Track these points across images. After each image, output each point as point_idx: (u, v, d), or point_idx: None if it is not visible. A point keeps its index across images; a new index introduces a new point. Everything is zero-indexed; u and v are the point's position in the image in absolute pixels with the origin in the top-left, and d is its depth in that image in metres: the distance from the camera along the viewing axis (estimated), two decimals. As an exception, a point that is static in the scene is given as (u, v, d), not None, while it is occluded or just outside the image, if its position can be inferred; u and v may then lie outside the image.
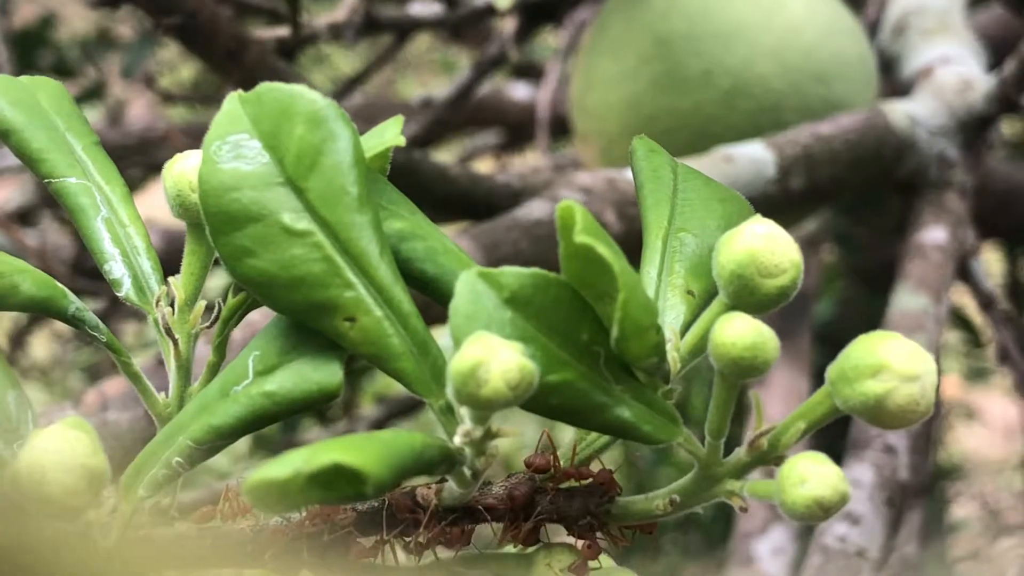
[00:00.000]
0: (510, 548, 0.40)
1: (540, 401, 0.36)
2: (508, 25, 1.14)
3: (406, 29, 1.12)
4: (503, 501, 0.39)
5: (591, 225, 0.35)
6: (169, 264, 0.43)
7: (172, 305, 0.42)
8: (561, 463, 0.39)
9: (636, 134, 0.46)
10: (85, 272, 1.14)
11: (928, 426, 0.86)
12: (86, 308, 0.41)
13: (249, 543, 0.39)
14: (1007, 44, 0.99)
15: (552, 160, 1.28)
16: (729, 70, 0.97)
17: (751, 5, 0.99)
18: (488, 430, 0.36)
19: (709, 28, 0.98)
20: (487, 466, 0.37)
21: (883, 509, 0.75)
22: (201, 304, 0.42)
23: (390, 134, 0.40)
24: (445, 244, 0.40)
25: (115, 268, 0.42)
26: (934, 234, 0.90)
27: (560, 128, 1.25)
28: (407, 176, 0.81)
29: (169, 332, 0.41)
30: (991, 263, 1.74)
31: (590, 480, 0.39)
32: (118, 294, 0.42)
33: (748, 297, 0.38)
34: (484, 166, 1.64)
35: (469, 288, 0.36)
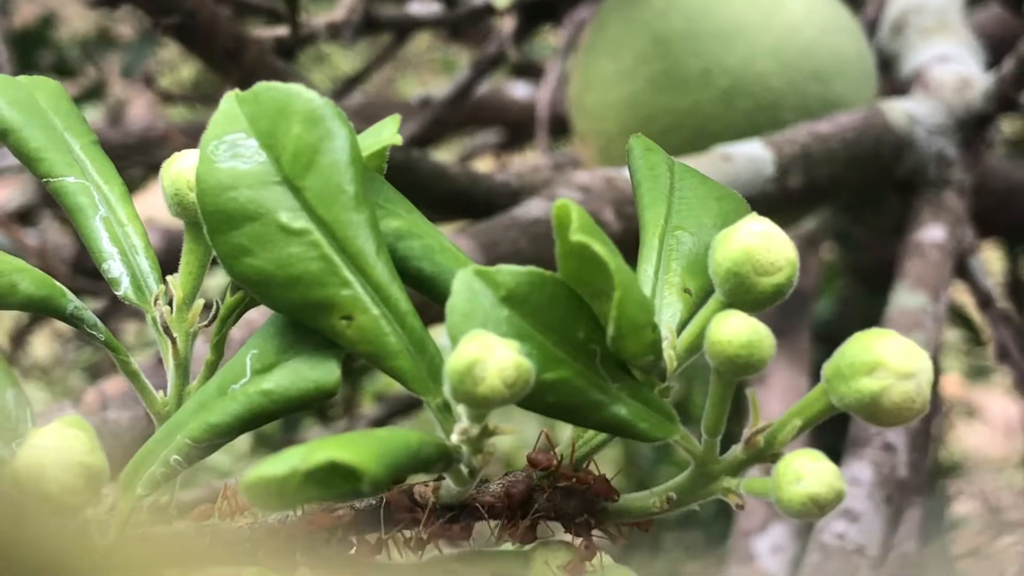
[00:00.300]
0: (508, 546, 0.40)
1: (536, 399, 0.36)
2: (507, 24, 1.14)
3: (405, 28, 1.12)
4: (501, 499, 0.39)
5: (587, 223, 0.35)
6: (169, 264, 0.43)
7: (170, 304, 0.42)
8: (561, 461, 0.39)
9: (635, 133, 0.46)
10: (85, 272, 1.14)
11: (927, 424, 0.86)
12: (84, 307, 0.41)
13: (247, 541, 0.39)
14: (1006, 43, 0.99)
15: (552, 159, 1.28)
16: (728, 69, 0.97)
17: (750, 4, 0.99)
18: (485, 428, 0.36)
19: (708, 27, 0.98)
20: (484, 464, 0.37)
21: (882, 507, 0.75)
22: (199, 303, 0.42)
23: (387, 133, 0.40)
24: (442, 242, 0.40)
25: (113, 267, 0.42)
26: (932, 232, 0.90)
27: (560, 127, 1.25)
28: (406, 175, 0.81)
29: (167, 331, 0.41)
30: (992, 262, 1.74)
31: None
32: (116, 293, 0.42)
33: (744, 295, 0.38)
34: (484, 165, 1.64)
35: (466, 286, 0.36)
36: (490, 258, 0.76)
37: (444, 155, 1.68)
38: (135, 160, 1.29)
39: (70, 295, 0.41)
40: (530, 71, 1.54)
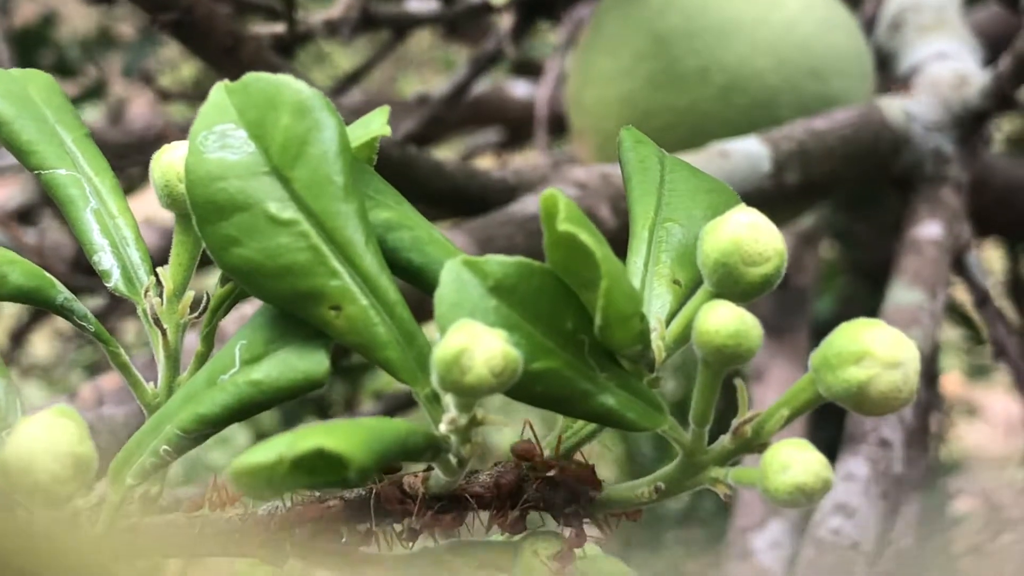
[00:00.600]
0: (497, 536, 0.40)
1: (524, 389, 0.36)
2: (505, 22, 1.14)
3: (403, 26, 1.12)
4: (490, 489, 0.39)
5: (574, 213, 0.35)
6: (165, 259, 0.43)
7: (161, 296, 0.42)
8: (548, 451, 0.39)
9: (632, 131, 0.46)
10: (85, 270, 1.14)
11: (924, 419, 0.86)
12: (75, 298, 0.42)
13: (237, 532, 0.40)
14: (1004, 41, 0.99)
15: (551, 157, 1.28)
16: (725, 66, 0.97)
17: (748, 2, 0.99)
18: (473, 418, 0.36)
19: (706, 24, 0.98)
20: (472, 453, 0.37)
21: (878, 502, 0.75)
22: (189, 294, 0.42)
23: (376, 124, 0.40)
24: (431, 234, 0.40)
25: (104, 259, 0.42)
26: (929, 229, 0.90)
27: (560, 126, 1.25)
28: (403, 171, 0.81)
29: (157, 322, 0.41)
30: (993, 259, 1.74)
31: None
32: (107, 285, 0.42)
33: (732, 286, 0.38)
34: (485, 164, 1.64)
35: (454, 276, 0.36)
36: (485, 253, 0.75)
37: (445, 154, 1.68)
38: (135, 159, 1.29)
39: (60, 286, 0.41)
40: (530, 69, 1.54)
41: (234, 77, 0.39)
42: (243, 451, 0.33)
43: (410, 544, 0.40)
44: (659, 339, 0.39)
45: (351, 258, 0.38)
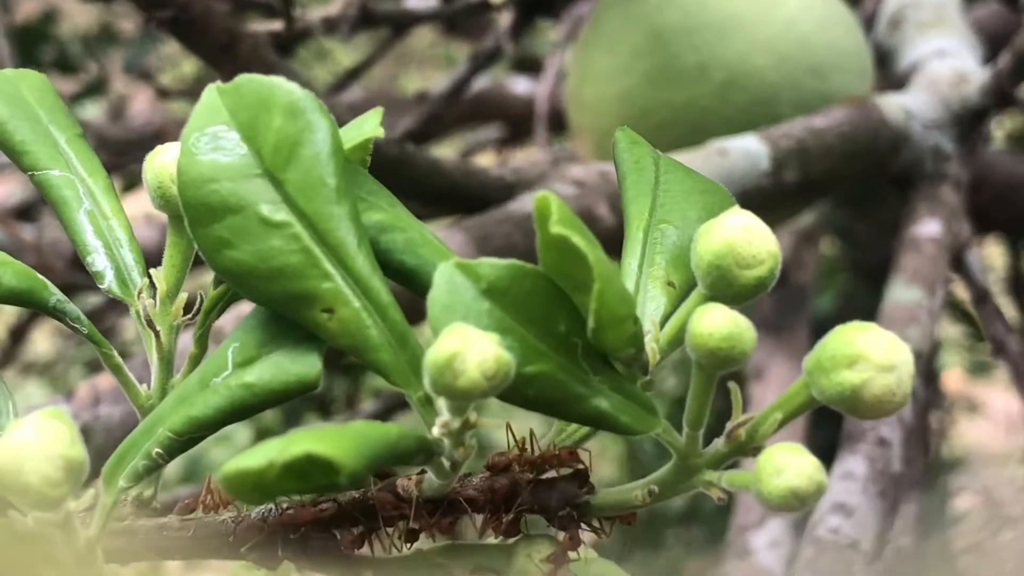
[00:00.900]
0: (491, 539, 0.40)
1: (517, 392, 0.36)
2: (504, 19, 1.14)
3: (402, 23, 1.12)
4: (484, 493, 0.39)
5: (567, 216, 0.35)
6: (161, 258, 0.43)
7: (155, 297, 0.42)
8: (523, 453, 0.39)
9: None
10: (84, 268, 1.14)
11: (924, 418, 0.86)
12: (68, 300, 0.41)
13: (230, 535, 0.39)
14: (1003, 38, 0.99)
15: (552, 153, 1.28)
16: (724, 63, 0.97)
17: (747, -1, 0.99)
18: (466, 421, 0.36)
19: (704, 21, 0.98)
20: (465, 457, 0.37)
21: (876, 501, 0.75)
22: (183, 296, 0.42)
23: (369, 125, 0.40)
24: (425, 236, 0.40)
25: (97, 260, 0.42)
26: (928, 227, 0.90)
27: (560, 122, 1.25)
28: (400, 169, 0.81)
29: (151, 324, 0.41)
30: (994, 257, 1.74)
31: (566, 469, 0.39)
32: (100, 286, 0.42)
33: (726, 288, 0.38)
34: (486, 161, 1.64)
35: (447, 279, 0.36)
36: (483, 252, 0.76)
37: (445, 151, 1.68)
38: (135, 155, 1.29)
39: (53, 288, 0.41)
40: (531, 66, 1.53)
41: (231, 75, 0.39)
42: (242, 450, 0.33)
43: (409, 545, 0.40)
44: (653, 342, 0.39)
45: (344, 260, 0.37)
